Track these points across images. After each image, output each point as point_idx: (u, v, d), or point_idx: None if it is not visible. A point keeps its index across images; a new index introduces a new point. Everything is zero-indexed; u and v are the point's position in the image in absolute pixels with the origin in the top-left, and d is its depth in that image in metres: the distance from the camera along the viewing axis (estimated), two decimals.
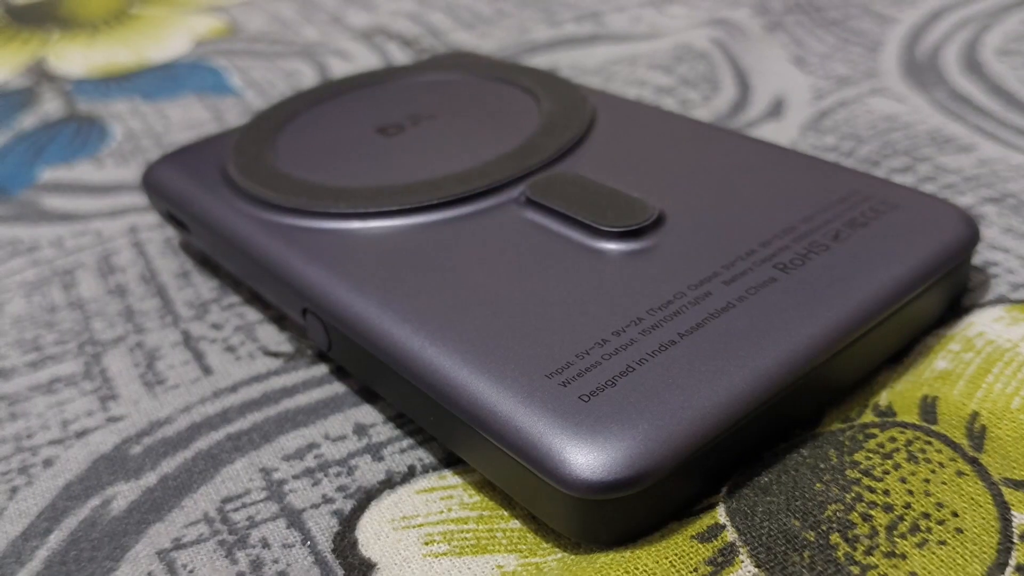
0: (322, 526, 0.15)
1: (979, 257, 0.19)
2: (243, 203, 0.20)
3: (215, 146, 0.23)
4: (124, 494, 0.16)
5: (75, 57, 0.37)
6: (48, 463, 0.17)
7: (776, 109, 0.27)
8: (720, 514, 0.14)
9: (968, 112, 0.25)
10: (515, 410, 0.14)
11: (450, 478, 0.16)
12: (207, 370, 0.19)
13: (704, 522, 0.14)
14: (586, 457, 0.13)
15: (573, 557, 0.14)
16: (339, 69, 0.33)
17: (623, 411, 0.13)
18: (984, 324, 0.17)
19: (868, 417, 0.15)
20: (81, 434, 0.18)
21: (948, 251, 0.17)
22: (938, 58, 0.28)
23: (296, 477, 0.16)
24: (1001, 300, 0.18)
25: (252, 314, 0.21)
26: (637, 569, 0.13)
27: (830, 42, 0.30)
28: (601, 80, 0.29)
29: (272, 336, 0.20)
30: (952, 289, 0.17)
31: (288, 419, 0.18)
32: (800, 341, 0.15)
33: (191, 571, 0.15)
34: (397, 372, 0.16)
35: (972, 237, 0.17)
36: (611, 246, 0.17)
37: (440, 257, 0.17)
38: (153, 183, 0.22)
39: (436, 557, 0.14)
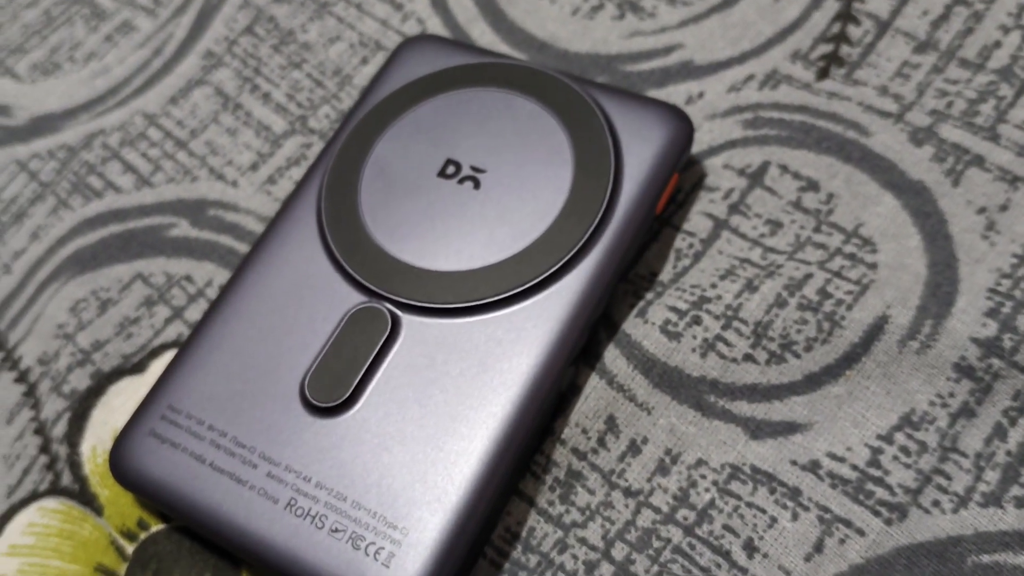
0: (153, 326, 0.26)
1: None
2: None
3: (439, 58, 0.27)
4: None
5: None
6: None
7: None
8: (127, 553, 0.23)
9: None
10: (148, 398, 0.23)
11: None
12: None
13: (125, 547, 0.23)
14: (119, 461, 0.22)
15: None
16: None
17: (151, 460, 0.22)
18: None
19: None
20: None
21: None
22: None
23: (207, 285, 0.27)
24: None
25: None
26: (84, 527, 0.24)
27: None
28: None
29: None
30: None
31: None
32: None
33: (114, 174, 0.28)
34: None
35: None
36: (294, 402, 0.22)
37: (288, 293, 0.24)
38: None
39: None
